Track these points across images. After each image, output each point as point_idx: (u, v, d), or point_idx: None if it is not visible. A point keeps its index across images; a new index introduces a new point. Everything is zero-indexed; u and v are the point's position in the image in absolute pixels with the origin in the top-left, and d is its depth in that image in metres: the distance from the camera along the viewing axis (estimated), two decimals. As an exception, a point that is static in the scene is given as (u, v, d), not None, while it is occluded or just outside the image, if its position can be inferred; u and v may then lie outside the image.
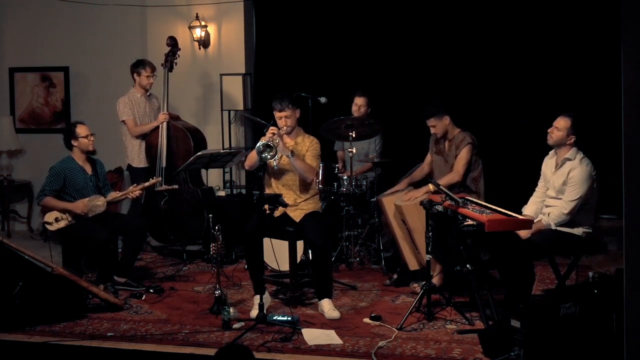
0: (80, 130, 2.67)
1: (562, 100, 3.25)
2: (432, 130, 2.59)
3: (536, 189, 2.37)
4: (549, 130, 2.25)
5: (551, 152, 2.31)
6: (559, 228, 2.23)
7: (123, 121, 3.13)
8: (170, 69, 3.23)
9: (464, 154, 2.51)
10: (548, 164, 2.31)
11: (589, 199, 2.22)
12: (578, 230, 2.25)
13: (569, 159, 2.23)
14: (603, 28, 3.16)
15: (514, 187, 2.75)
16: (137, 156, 3.17)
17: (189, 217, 3.15)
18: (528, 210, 2.34)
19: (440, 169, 2.62)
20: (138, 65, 3.13)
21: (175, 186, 3.06)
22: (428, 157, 2.70)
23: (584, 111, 3.19)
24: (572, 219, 2.21)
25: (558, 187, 2.25)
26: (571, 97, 3.26)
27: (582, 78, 3.28)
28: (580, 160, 2.23)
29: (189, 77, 3.71)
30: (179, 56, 3.26)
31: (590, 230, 2.26)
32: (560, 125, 2.23)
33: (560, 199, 2.23)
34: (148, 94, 3.19)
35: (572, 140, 2.23)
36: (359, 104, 3.15)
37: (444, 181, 2.48)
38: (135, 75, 3.14)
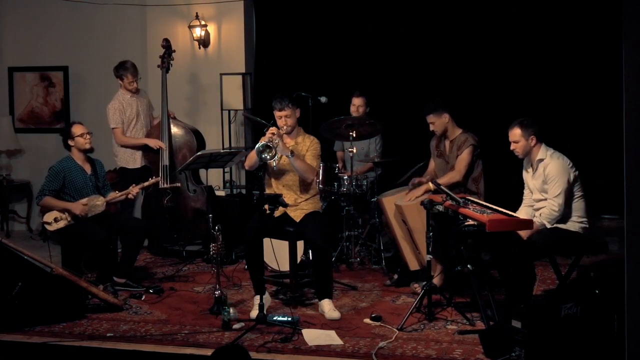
0: (76, 129, 2.66)
1: (561, 101, 3.24)
2: (431, 128, 2.58)
3: (523, 197, 2.39)
4: (511, 148, 2.28)
5: (525, 160, 2.33)
6: (556, 225, 2.23)
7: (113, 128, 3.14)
8: (167, 70, 3.23)
9: (465, 155, 2.52)
10: (528, 172, 2.34)
11: (572, 189, 2.22)
12: (574, 225, 2.25)
13: (541, 160, 2.25)
14: (597, 29, 3.15)
15: (514, 187, 2.74)
16: (131, 158, 3.16)
17: (192, 215, 3.14)
18: (520, 215, 2.34)
19: (443, 171, 2.61)
20: (119, 71, 3.13)
21: (178, 184, 3.06)
22: (432, 163, 2.69)
23: (583, 111, 3.19)
24: (564, 214, 2.22)
25: (540, 188, 2.27)
26: (570, 97, 3.24)
27: (581, 79, 3.26)
28: (550, 155, 2.25)
29: (189, 77, 3.70)
30: (173, 58, 3.24)
31: (587, 225, 2.26)
32: (515, 137, 2.26)
33: (546, 199, 2.24)
34: (136, 92, 3.18)
35: (534, 141, 2.25)
36: (357, 105, 3.13)
37: (444, 180, 2.47)
38: (119, 80, 3.15)
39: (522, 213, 2.35)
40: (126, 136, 3.14)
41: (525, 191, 2.39)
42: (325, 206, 2.95)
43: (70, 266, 2.57)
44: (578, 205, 2.25)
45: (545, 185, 2.24)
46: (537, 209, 2.28)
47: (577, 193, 2.24)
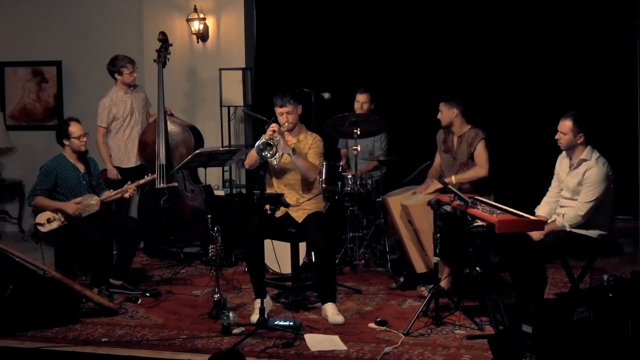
0: (73, 129, 2.60)
1: (574, 99, 3.14)
2: (438, 116, 2.56)
3: (549, 189, 2.33)
4: (556, 137, 2.23)
5: (564, 152, 2.27)
6: (573, 230, 2.19)
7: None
8: (164, 65, 3.15)
9: (481, 150, 2.49)
10: (562, 163, 2.27)
11: (605, 199, 2.18)
12: (593, 233, 2.20)
13: (584, 160, 2.19)
14: (611, 27, 3.09)
15: (525, 187, 2.67)
16: (125, 157, 3.09)
17: (190, 215, 3.09)
18: (541, 210, 2.29)
19: (450, 167, 2.57)
20: (116, 65, 3.02)
21: (175, 184, 2.99)
22: (437, 158, 2.66)
23: (601, 111, 3.13)
24: (588, 220, 2.17)
25: (573, 188, 2.21)
26: (583, 96, 3.16)
27: (595, 77, 3.18)
28: (596, 159, 2.19)
29: (187, 72, 3.63)
30: (170, 52, 3.17)
31: (606, 233, 2.22)
32: (564, 129, 2.21)
33: (575, 199, 2.19)
34: (131, 87, 3.10)
35: (582, 139, 2.19)
36: (361, 101, 3.07)
37: (469, 174, 2.44)
38: (116, 75, 3.04)
39: (543, 209, 2.28)
40: (104, 141, 3.04)
41: (554, 183, 2.30)
42: (329, 206, 2.89)
43: (63, 268, 2.51)
44: (604, 216, 2.19)
45: (580, 187, 2.17)
46: (561, 207, 2.22)
47: (607, 203, 2.18)
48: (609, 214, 2.21)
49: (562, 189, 2.25)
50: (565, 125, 2.19)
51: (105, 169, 3.14)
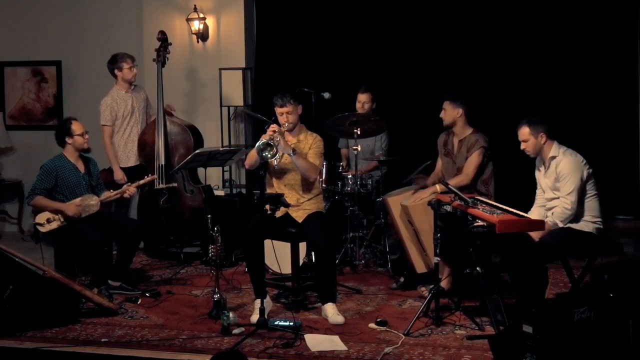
0: (76, 127, 2.61)
1: (575, 99, 3.14)
2: (441, 114, 2.54)
3: (536, 197, 2.34)
4: (522, 148, 2.24)
5: (537, 159, 2.29)
6: (569, 226, 2.18)
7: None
8: (163, 64, 3.14)
9: (474, 157, 2.47)
10: (540, 171, 2.30)
11: (586, 187, 2.18)
12: (587, 226, 2.20)
13: (553, 157, 2.21)
14: (613, 27, 3.09)
15: (525, 188, 2.67)
16: (124, 156, 3.07)
17: (190, 215, 3.08)
18: (532, 216, 2.29)
19: (449, 170, 2.57)
20: (116, 61, 3.00)
21: (175, 184, 2.98)
22: (439, 162, 2.64)
23: (602, 111, 3.10)
24: (577, 213, 2.17)
25: (552, 186, 2.23)
26: (584, 96, 3.15)
27: (596, 77, 3.17)
28: (563, 152, 2.21)
29: (186, 72, 3.62)
30: (169, 51, 3.16)
31: (601, 226, 2.21)
32: (524, 136, 2.22)
33: (559, 197, 2.19)
34: (132, 87, 3.08)
35: (544, 138, 2.21)
36: (362, 101, 3.06)
37: (452, 183, 2.43)
38: (116, 71, 3.02)
39: (534, 214, 2.29)
40: (112, 141, 3.03)
41: (538, 191, 2.33)
42: (329, 206, 2.89)
43: (63, 269, 2.50)
44: (591, 205, 2.20)
45: (558, 183, 2.19)
46: (550, 209, 2.23)
47: (591, 191, 2.19)
48: (597, 203, 2.19)
49: (545, 193, 2.26)
50: (524, 132, 2.20)
51: (105, 168, 3.15)
